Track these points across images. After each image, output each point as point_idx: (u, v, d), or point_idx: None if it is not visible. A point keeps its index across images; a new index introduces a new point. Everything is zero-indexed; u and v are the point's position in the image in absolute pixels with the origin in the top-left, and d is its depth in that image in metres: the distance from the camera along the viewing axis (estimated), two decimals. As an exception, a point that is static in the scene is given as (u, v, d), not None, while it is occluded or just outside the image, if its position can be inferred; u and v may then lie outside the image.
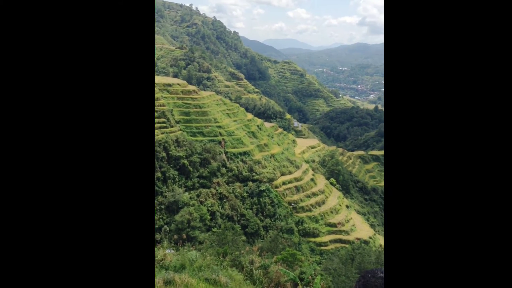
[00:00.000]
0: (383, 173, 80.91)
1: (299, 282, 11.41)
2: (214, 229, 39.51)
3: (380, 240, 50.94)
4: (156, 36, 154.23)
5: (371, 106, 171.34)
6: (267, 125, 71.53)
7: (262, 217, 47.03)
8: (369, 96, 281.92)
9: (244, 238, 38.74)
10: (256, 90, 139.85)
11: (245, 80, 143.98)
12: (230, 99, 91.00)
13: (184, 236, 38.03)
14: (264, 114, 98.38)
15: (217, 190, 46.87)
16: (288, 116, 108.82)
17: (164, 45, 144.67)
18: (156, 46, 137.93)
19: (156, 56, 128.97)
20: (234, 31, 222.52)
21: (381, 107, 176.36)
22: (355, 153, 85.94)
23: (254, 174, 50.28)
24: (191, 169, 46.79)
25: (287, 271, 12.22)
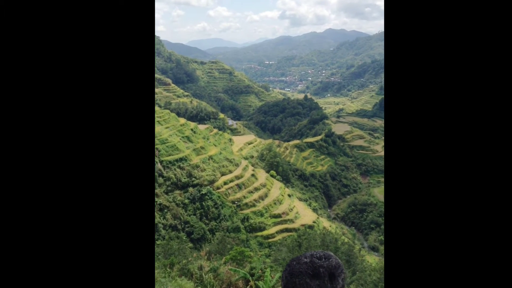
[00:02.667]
0: (318, 158, 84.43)
1: (250, 278, 11.47)
2: (158, 242, 38.27)
3: (323, 222, 53.14)
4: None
5: (300, 96, 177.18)
6: (201, 127, 70.85)
7: (207, 221, 46.56)
8: (297, 86, 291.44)
9: (190, 245, 38.05)
10: (186, 93, 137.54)
11: (173, 85, 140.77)
12: (160, 106, 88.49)
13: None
14: (197, 117, 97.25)
15: (156, 201, 45.39)
16: (221, 115, 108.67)
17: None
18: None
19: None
20: (155, 35, 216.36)
21: (310, 95, 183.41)
22: (291, 143, 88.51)
23: (193, 179, 49.54)
24: (126, 183, 44.75)
25: (237, 269, 12.26)
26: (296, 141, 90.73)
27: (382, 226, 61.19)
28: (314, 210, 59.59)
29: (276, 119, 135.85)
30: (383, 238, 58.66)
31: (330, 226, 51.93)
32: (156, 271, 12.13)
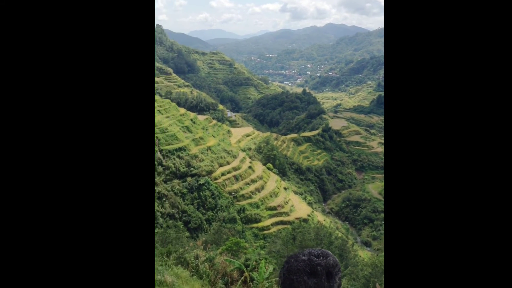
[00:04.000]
0: (315, 152, 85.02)
1: (245, 269, 11.70)
2: (156, 230, 38.86)
3: (318, 216, 53.95)
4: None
5: (299, 90, 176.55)
6: (201, 118, 71.09)
7: (204, 211, 47.23)
8: (296, 80, 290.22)
9: (187, 234, 38.74)
10: (186, 83, 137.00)
11: (174, 74, 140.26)
12: (160, 95, 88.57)
13: (126, 241, 36.95)
14: (197, 107, 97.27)
15: (155, 190, 46.03)
16: (221, 107, 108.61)
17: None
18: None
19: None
20: (157, 24, 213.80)
21: (308, 89, 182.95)
22: (288, 136, 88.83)
23: (192, 168, 50.09)
24: (126, 171, 45.23)
25: (232, 260, 12.54)
26: (294, 135, 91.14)
27: (376, 222, 62.11)
28: (309, 204, 60.35)
29: (275, 112, 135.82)
30: (375, 234, 59.66)
31: (324, 220, 52.73)
32: None
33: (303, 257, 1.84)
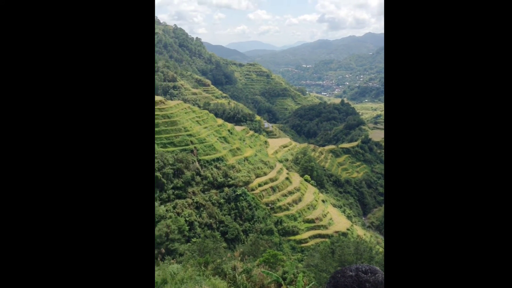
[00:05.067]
0: (354, 164, 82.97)
1: (282, 282, 11.54)
2: (194, 239, 39.28)
3: (358, 230, 52.22)
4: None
5: (337, 101, 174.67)
6: (238, 128, 71.73)
7: (241, 222, 47.13)
8: (334, 90, 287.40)
9: (224, 244, 38.71)
10: (224, 94, 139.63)
11: (212, 86, 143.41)
12: (199, 106, 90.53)
13: (163, 250, 37.58)
14: (234, 118, 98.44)
15: (193, 199, 46.57)
16: (258, 117, 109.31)
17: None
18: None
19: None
20: (197, 38, 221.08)
21: (347, 100, 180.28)
22: (326, 147, 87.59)
23: (229, 179, 50.32)
24: (165, 181, 46.24)
25: (270, 272, 12.42)
26: (332, 146, 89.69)
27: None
28: (349, 217, 58.68)
29: (312, 123, 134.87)
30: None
31: (364, 235, 50.99)
32: (191, 269, 12.42)
33: (351, 273, 1.76)
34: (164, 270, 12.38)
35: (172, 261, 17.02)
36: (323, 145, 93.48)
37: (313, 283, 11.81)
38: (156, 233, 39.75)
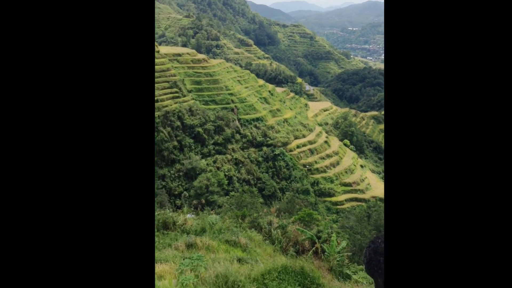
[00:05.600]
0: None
1: (316, 240, 11.93)
2: (232, 193, 40.73)
3: (395, 197, 51.56)
4: (162, 5, 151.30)
5: (383, 66, 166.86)
6: (279, 90, 71.18)
7: (278, 180, 48.02)
8: (381, 55, 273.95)
9: (261, 200, 39.87)
10: (266, 55, 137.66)
11: (254, 46, 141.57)
12: (241, 66, 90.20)
13: (203, 201, 39.37)
14: (275, 79, 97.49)
15: (232, 156, 47.79)
16: (299, 80, 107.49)
17: (171, 14, 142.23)
18: (163, 15, 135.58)
19: (164, 25, 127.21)
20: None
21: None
22: (368, 113, 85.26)
23: (268, 139, 50.85)
24: (206, 136, 47.59)
25: (305, 230, 12.83)
26: (374, 113, 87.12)
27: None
28: (386, 184, 57.82)
29: (355, 88, 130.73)
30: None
31: (401, 202, 50.34)
32: (228, 220, 13.09)
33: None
34: (204, 219, 13.05)
35: (211, 212, 17.86)
36: (365, 111, 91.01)
37: (345, 242, 12.01)
38: (197, 184, 41.56)
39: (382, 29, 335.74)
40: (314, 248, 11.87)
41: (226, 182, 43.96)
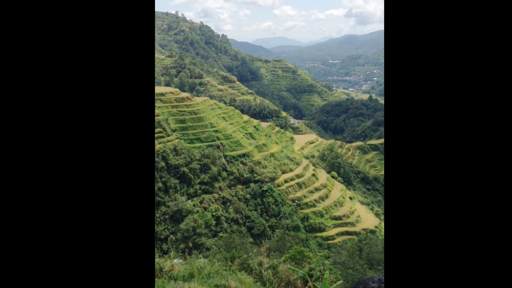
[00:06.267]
0: (383, 161, 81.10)
1: (308, 279, 11.57)
2: (221, 234, 39.58)
3: (387, 228, 51.07)
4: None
5: (365, 96, 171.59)
6: (264, 125, 71.58)
7: (267, 217, 47.08)
8: (362, 86, 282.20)
9: (251, 240, 38.78)
10: (250, 91, 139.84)
11: (237, 82, 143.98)
12: (225, 103, 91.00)
13: (191, 244, 38.04)
14: (260, 114, 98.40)
15: (219, 194, 46.89)
16: (284, 114, 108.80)
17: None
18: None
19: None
20: (223, 34, 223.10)
21: (375, 96, 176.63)
22: (354, 144, 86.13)
23: (255, 175, 50.32)
24: (192, 176, 46.77)
25: (296, 269, 12.42)
26: (359, 143, 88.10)
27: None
28: (377, 215, 57.45)
29: (339, 119, 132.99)
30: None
31: (393, 233, 49.82)
32: (217, 264, 12.49)
33: (373, 284, 1.86)
34: (191, 264, 12.52)
35: (199, 255, 17.23)
36: (350, 142, 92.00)
37: (340, 281, 11.59)
38: (184, 227, 40.28)
39: (361, 61, 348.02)
40: (306, 287, 11.47)
41: (213, 222, 42.82)
